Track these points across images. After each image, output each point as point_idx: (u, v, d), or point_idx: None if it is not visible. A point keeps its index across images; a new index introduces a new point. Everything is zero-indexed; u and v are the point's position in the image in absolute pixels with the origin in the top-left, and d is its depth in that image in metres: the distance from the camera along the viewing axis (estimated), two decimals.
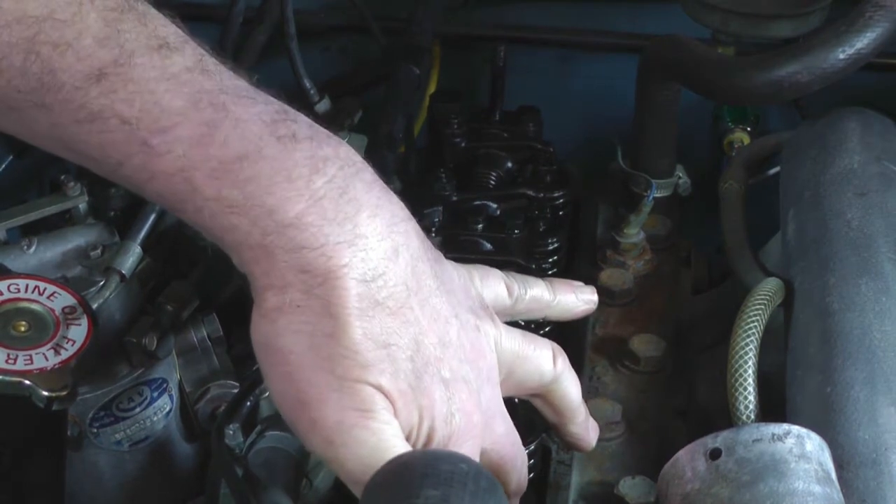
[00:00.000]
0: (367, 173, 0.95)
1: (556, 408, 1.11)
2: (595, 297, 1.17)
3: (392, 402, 0.93)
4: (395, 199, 0.97)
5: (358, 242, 0.92)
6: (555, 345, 1.10)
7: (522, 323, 1.18)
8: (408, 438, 0.95)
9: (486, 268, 1.09)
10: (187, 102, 0.90)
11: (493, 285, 1.08)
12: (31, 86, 0.89)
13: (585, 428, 1.14)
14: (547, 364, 1.08)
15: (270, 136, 0.92)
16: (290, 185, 0.91)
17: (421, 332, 0.95)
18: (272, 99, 0.95)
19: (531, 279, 1.12)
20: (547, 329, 1.37)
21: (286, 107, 0.96)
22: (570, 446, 1.16)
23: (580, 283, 1.17)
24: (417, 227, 0.98)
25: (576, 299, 1.15)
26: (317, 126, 0.96)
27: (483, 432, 1.00)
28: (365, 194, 0.93)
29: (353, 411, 0.91)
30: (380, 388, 0.92)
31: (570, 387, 1.10)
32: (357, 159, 0.95)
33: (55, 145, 0.94)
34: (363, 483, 0.91)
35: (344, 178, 0.93)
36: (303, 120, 0.95)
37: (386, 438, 0.93)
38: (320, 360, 0.91)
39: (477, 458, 0.99)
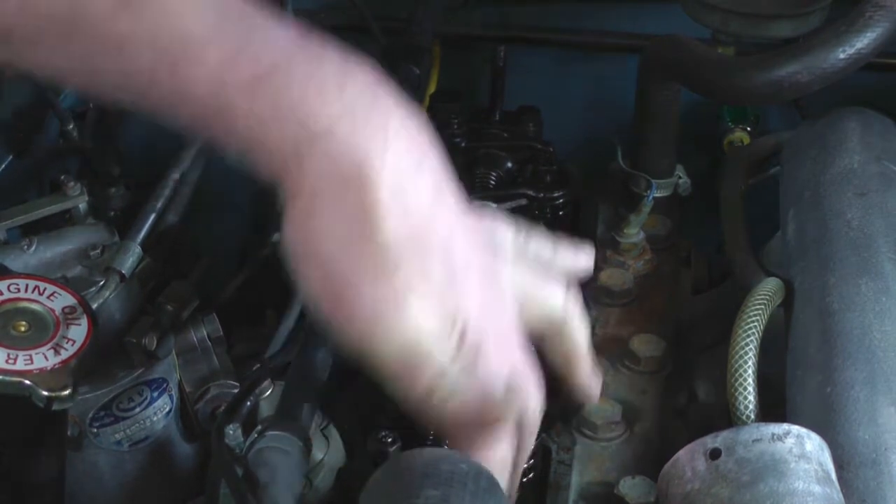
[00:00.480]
0: (391, 88, 0.97)
1: (565, 350, 1.12)
2: (592, 259, 1.17)
3: (424, 298, 0.96)
4: (417, 112, 0.99)
5: (388, 148, 0.94)
6: (565, 287, 1.11)
7: None
8: (443, 337, 0.98)
9: (493, 212, 1.12)
10: (216, 22, 0.92)
11: (501, 226, 1.11)
12: (61, 17, 0.91)
13: (590, 377, 1.15)
14: (558, 300, 1.10)
15: (300, 50, 0.94)
16: (321, 97, 0.93)
17: (449, 236, 0.98)
18: (294, 20, 0.97)
19: (534, 231, 1.14)
20: None
21: (307, 27, 0.97)
22: (576, 398, 1.16)
23: (580, 245, 1.18)
24: (435, 146, 1.00)
25: (574, 255, 1.15)
26: (338, 46, 0.98)
27: (510, 346, 1.03)
28: (394, 106, 0.96)
29: (387, 305, 0.94)
30: (412, 285, 0.95)
31: (579, 329, 1.11)
32: (380, 76, 0.98)
33: (84, 77, 0.97)
34: (399, 376, 0.96)
35: (373, 89, 0.95)
36: (327, 40, 0.97)
37: (420, 330, 0.96)
38: (354, 258, 0.94)
39: (503, 370, 1.01)
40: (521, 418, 1.03)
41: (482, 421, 1.00)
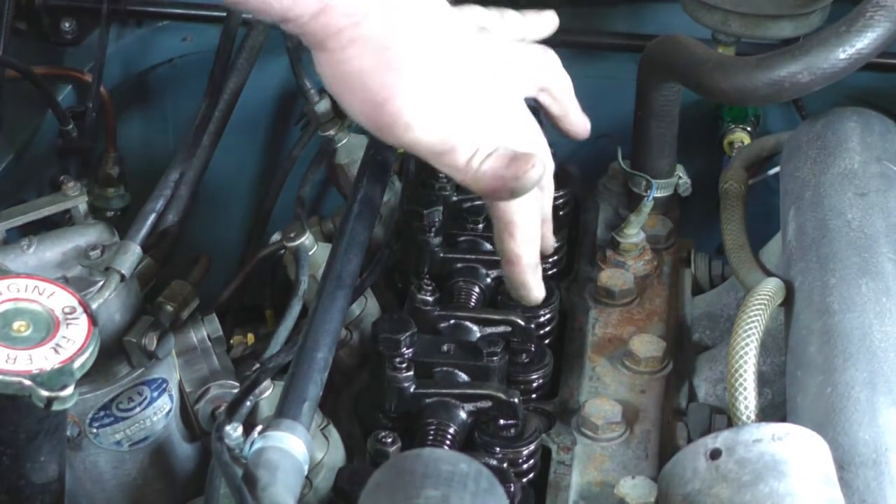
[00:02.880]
0: None
1: (559, 99, 1.32)
2: (556, 19, 1.38)
3: (446, 86, 1.16)
4: None
5: None
6: (546, 48, 1.32)
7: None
8: (469, 118, 1.18)
9: (465, 4, 1.31)
10: None
11: (479, 12, 1.30)
12: None
13: (581, 117, 1.35)
14: (545, 60, 1.31)
15: None
16: None
17: (456, 42, 1.18)
18: None
19: (505, 9, 1.33)
20: (546, 325, 1.38)
21: None
22: (572, 134, 1.36)
23: (543, 11, 1.38)
24: None
25: (541, 19, 1.36)
26: None
27: (513, 118, 1.22)
28: None
29: (421, 92, 1.15)
30: (435, 74, 1.16)
31: (566, 80, 1.32)
32: None
33: None
34: (444, 152, 1.17)
35: None
36: None
37: (452, 107, 1.17)
38: (383, 65, 1.14)
39: (513, 135, 1.21)
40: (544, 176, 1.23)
41: (511, 189, 1.18)
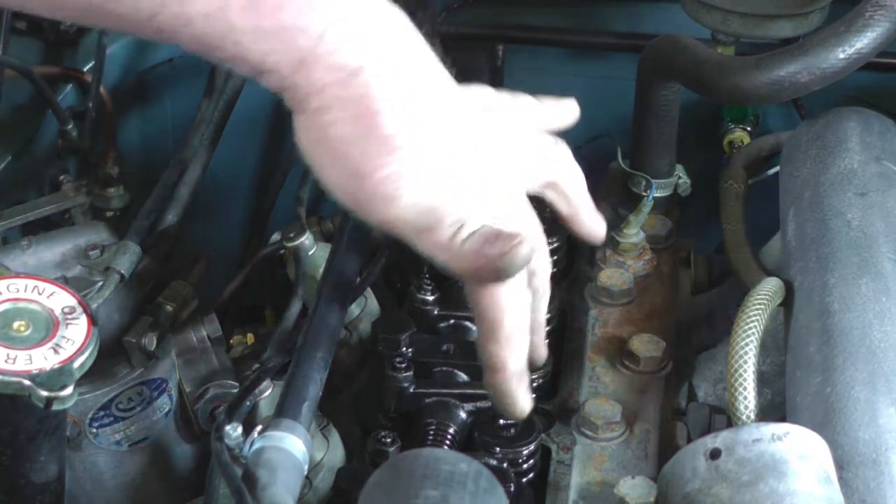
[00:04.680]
0: None
1: (568, 197, 1.21)
2: (577, 109, 1.25)
3: (433, 160, 1.06)
4: (403, 13, 1.08)
5: (381, 40, 1.04)
6: (557, 138, 1.21)
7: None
8: (456, 196, 1.08)
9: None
10: None
11: (489, 93, 1.19)
12: None
13: (594, 219, 1.24)
14: (553, 152, 1.20)
15: None
16: (317, 8, 1.01)
17: (447, 110, 1.08)
18: None
19: (518, 94, 1.22)
20: (546, 325, 1.37)
21: None
22: (583, 237, 1.25)
23: (563, 99, 1.26)
24: (422, 38, 1.10)
25: (559, 108, 1.24)
26: None
27: (506, 199, 1.13)
28: (381, 3, 1.06)
29: (403, 166, 1.05)
30: (421, 148, 1.05)
31: (577, 176, 1.21)
32: None
33: (86, 12, 1.02)
34: (425, 229, 1.07)
35: None
36: None
37: (435, 184, 1.06)
38: (366, 134, 1.04)
39: (503, 215, 1.11)
40: (533, 267, 1.15)
41: (495, 269, 1.08)
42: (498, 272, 1.08)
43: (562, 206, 1.22)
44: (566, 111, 1.24)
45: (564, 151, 1.20)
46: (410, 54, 1.06)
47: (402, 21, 1.07)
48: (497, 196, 1.11)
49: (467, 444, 1.25)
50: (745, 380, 1.15)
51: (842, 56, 1.31)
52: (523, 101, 1.21)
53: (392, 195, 1.05)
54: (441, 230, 1.07)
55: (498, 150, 1.13)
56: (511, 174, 1.14)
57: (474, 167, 1.09)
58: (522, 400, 1.16)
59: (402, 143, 1.04)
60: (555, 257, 1.47)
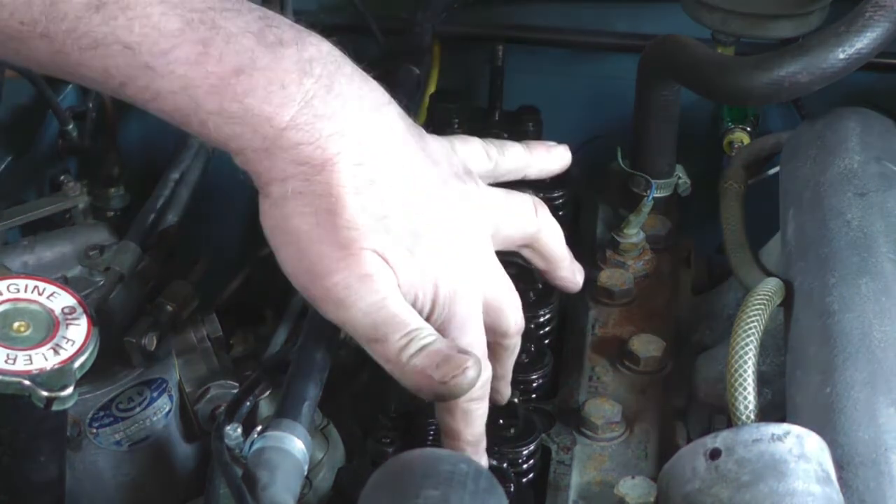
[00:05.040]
0: (348, 67, 1.06)
1: (544, 255, 1.22)
2: (568, 155, 1.27)
3: (392, 267, 1.05)
4: (375, 85, 1.07)
5: (347, 131, 1.02)
6: (534, 197, 1.20)
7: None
8: (414, 303, 1.07)
9: (465, 136, 1.20)
10: (181, 23, 0.98)
11: (473, 151, 1.19)
12: (34, 17, 0.97)
13: (572, 271, 1.25)
14: (529, 213, 1.19)
15: (260, 45, 1.01)
16: (284, 92, 1.00)
17: (413, 203, 1.06)
18: (251, 5, 1.03)
19: (508, 143, 1.23)
20: (546, 325, 1.37)
21: (266, 11, 1.04)
22: (561, 288, 1.27)
23: (553, 143, 1.27)
24: (399, 108, 1.09)
25: (550, 155, 1.26)
26: (297, 26, 1.05)
27: (482, 285, 1.12)
28: (348, 86, 1.04)
29: (358, 275, 1.03)
30: (380, 254, 1.04)
31: (554, 234, 1.21)
32: (336, 54, 1.05)
33: (56, 71, 1.02)
34: (374, 339, 1.05)
35: (329, 76, 1.03)
36: (284, 23, 1.04)
37: (389, 295, 1.05)
38: (325, 234, 1.02)
39: (479, 308, 1.11)
40: (507, 330, 1.16)
41: (439, 392, 1.06)
42: (439, 396, 1.07)
43: (538, 263, 1.23)
44: (557, 158, 1.26)
45: (541, 209, 1.20)
46: (381, 140, 1.05)
47: (375, 99, 1.06)
48: (461, 287, 1.09)
49: None
50: (745, 380, 1.15)
51: (842, 56, 1.31)
52: (511, 151, 1.21)
53: (343, 301, 1.04)
54: (388, 345, 1.05)
55: (470, 227, 1.11)
56: (481, 249, 1.13)
57: (439, 259, 1.08)
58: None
59: (361, 247, 1.03)
60: None
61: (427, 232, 1.07)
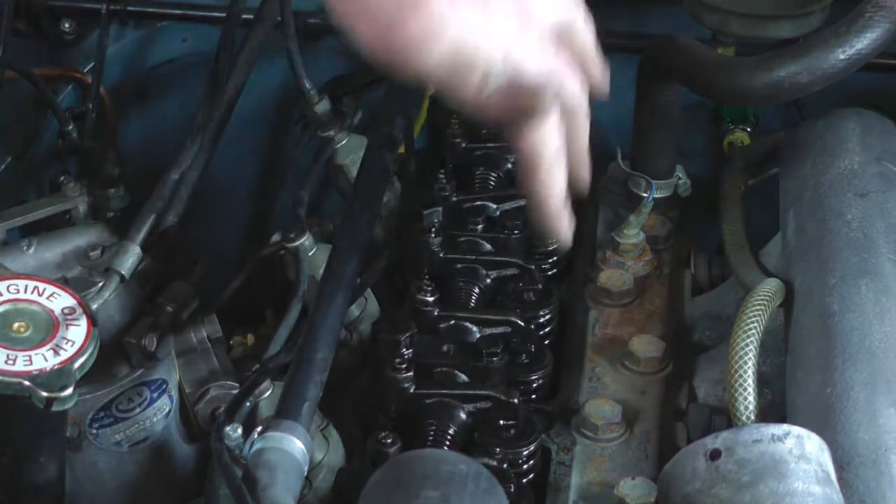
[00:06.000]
0: None
1: (578, 48, 1.24)
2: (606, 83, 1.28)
3: (465, 13, 1.09)
4: None
5: None
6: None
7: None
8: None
9: None
10: None
11: None
12: None
13: (601, 70, 1.28)
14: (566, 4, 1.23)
15: None
16: None
17: None
18: None
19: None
20: (546, 325, 1.38)
21: None
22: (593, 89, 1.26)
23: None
24: None
25: (595, 66, 1.27)
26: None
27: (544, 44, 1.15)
28: None
29: (432, 25, 1.07)
30: (452, 5, 1.08)
31: (589, 30, 1.26)
32: None
33: None
34: (450, 84, 1.09)
35: None
36: None
37: (464, 41, 1.08)
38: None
39: (542, 65, 1.13)
40: (566, 102, 1.17)
41: (529, 109, 1.12)
42: (525, 118, 1.12)
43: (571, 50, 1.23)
44: (596, 70, 1.27)
45: (577, 4, 1.24)
46: None
47: None
48: (528, 31, 1.13)
49: (467, 444, 1.25)
50: (745, 380, 1.15)
51: (842, 56, 1.31)
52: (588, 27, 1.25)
53: (423, 40, 1.08)
54: (470, 79, 1.09)
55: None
56: (539, 22, 1.16)
57: (509, 17, 1.12)
58: (565, 227, 1.17)
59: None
60: (555, 257, 1.47)
61: None
